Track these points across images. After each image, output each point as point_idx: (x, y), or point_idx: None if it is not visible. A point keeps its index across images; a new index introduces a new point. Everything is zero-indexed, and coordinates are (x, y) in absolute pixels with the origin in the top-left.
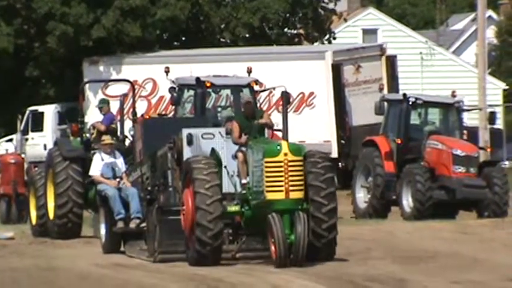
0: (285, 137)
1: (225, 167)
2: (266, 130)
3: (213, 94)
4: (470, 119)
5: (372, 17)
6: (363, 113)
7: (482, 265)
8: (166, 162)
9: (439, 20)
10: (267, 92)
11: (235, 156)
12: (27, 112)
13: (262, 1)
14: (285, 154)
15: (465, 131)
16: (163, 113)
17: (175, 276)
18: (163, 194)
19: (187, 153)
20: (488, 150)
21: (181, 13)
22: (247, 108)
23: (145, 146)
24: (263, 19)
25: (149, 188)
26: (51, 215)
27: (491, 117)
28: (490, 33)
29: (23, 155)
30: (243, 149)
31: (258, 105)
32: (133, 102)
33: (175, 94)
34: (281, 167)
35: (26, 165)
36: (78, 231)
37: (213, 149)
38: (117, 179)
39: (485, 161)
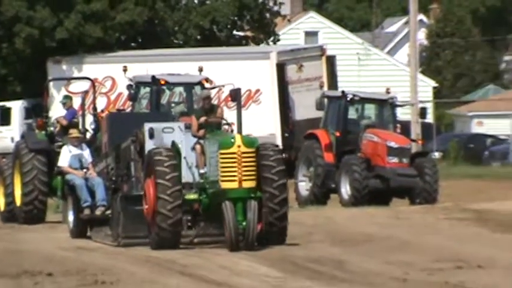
0: (239, 130)
1: (185, 158)
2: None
3: (167, 91)
4: (403, 114)
5: (313, 20)
6: (305, 108)
7: (413, 247)
8: (129, 154)
9: (374, 23)
10: (216, 89)
11: (193, 148)
12: None
13: (212, 5)
14: (238, 146)
15: (398, 125)
16: (122, 108)
17: (133, 258)
18: (127, 183)
19: (149, 145)
20: (420, 142)
21: (138, 17)
22: (205, 103)
23: (110, 139)
24: (213, 22)
25: (114, 178)
26: (18, 202)
27: (422, 112)
28: (421, 35)
29: None
30: (201, 141)
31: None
32: (94, 98)
33: (132, 91)
34: (234, 158)
35: None
36: (43, 217)
37: (173, 142)
38: (84, 170)
39: (417, 152)
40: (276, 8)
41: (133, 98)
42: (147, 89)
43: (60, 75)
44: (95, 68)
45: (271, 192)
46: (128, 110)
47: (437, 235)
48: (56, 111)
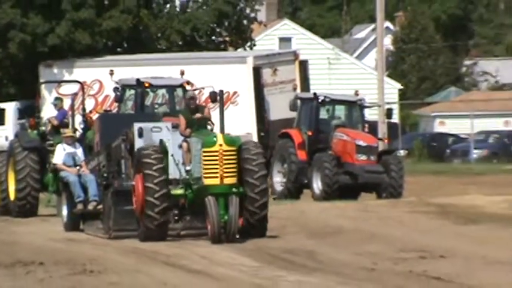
0: (222, 130)
1: (172, 155)
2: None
3: (151, 93)
4: (370, 115)
5: (287, 27)
6: (279, 109)
7: (380, 239)
8: (120, 152)
9: (344, 29)
10: (197, 91)
11: (180, 146)
12: None
13: (193, 13)
14: (220, 145)
15: (366, 125)
16: (109, 109)
17: (119, 249)
18: (118, 179)
19: (138, 144)
20: (386, 141)
21: (124, 24)
22: (191, 103)
23: (101, 138)
24: (194, 29)
25: (105, 175)
26: (12, 197)
27: (389, 113)
28: (388, 41)
29: None
30: (188, 139)
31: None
32: (83, 100)
33: (118, 93)
34: (216, 156)
35: None
36: (35, 211)
37: (161, 140)
38: (77, 167)
39: (384, 150)
40: (252, 15)
41: (119, 99)
42: (132, 91)
43: (51, 79)
44: (84, 71)
45: (252, 182)
46: (114, 111)
47: (402, 227)
48: (48, 112)
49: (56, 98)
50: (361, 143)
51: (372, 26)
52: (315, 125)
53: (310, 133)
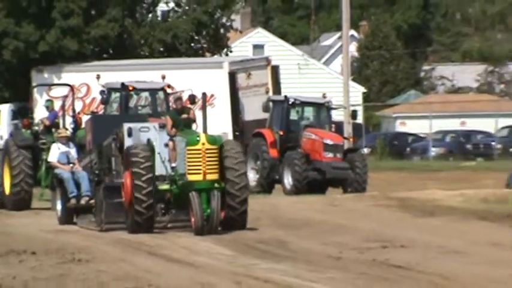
0: (204, 130)
1: (159, 153)
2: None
3: (134, 96)
4: (337, 115)
5: (260, 35)
6: (253, 110)
7: (346, 230)
8: (111, 151)
9: (312, 37)
10: (177, 94)
11: (166, 145)
12: None
13: (174, 22)
14: (203, 144)
15: (333, 125)
16: (95, 111)
17: (106, 240)
18: (108, 176)
19: (127, 143)
20: (351, 140)
21: (111, 32)
22: (177, 104)
23: (93, 138)
24: (174, 36)
25: (97, 172)
26: (7, 191)
27: (353, 114)
28: (352, 48)
29: None
30: (173, 138)
31: (171, 104)
32: (73, 102)
33: (104, 96)
34: (199, 154)
35: None
36: (29, 204)
37: (148, 140)
38: (71, 165)
39: (349, 148)
40: (228, 24)
41: (105, 101)
42: (117, 94)
43: (42, 82)
44: (72, 76)
45: (233, 180)
46: (101, 112)
47: (366, 219)
48: (40, 113)
49: (47, 100)
50: (329, 141)
51: (338, 34)
52: (286, 125)
53: (281, 133)
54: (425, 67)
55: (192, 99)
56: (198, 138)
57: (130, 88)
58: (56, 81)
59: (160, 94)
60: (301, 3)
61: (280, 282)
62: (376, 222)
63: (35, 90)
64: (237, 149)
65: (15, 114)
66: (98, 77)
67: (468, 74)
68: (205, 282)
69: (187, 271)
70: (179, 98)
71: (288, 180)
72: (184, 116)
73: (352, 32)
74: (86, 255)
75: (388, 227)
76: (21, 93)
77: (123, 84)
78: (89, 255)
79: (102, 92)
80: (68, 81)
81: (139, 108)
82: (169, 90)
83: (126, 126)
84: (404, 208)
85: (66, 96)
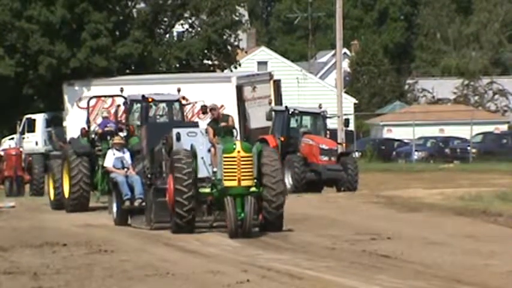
0: (241, 138)
1: (202, 158)
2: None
3: (153, 106)
4: (331, 124)
5: (264, 53)
6: (257, 119)
7: (339, 224)
8: (161, 155)
9: (309, 55)
10: (191, 105)
11: (209, 150)
12: (24, 119)
13: (188, 41)
14: (238, 152)
15: (328, 132)
16: (120, 119)
17: (128, 232)
18: (159, 179)
19: (176, 147)
20: (344, 145)
21: (135, 51)
22: (214, 113)
23: (147, 144)
24: (188, 54)
25: (149, 176)
26: (66, 194)
27: (346, 122)
28: (345, 64)
29: (21, 149)
30: (215, 145)
31: (185, 114)
32: (126, 111)
33: (127, 106)
34: (235, 161)
35: (23, 156)
36: (86, 206)
37: (192, 145)
38: (125, 169)
39: (342, 152)
40: (236, 43)
41: (127, 111)
42: (138, 105)
43: (73, 96)
44: (100, 89)
45: (270, 186)
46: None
47: (357, 215)
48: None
49: (103, 112)
50: (324, 146)
51: (333, 52)
52: (286, 132)
53: (282, 139)
54: (409, 81)
55: (204, 109)
56: (234, 146)
57: (150, 100)
58: (84, 94)
59: (176, 105)
60: (300, 25)
61: (281, 270)
62: (365, 217)
63: (66, 100)
64: (274, 157)
65: (49, 123)
66: (122, 89)
67: (447, 87)
68: (215, 270)
69: (200, 260)
70: (214, 108)
71: (288, 180)
72: (223, 124)
73: (345, 50)
74: (111, 247)
75: (376, 222)
76: (53, 104)
77: (143, 96)
78: (113, 246)
79: (125, 103)
80: (95, 94)
81: (158, 117)
82: (184, 102)
83: (175, 131)
84: (390, 205)
85: (119, 106)
